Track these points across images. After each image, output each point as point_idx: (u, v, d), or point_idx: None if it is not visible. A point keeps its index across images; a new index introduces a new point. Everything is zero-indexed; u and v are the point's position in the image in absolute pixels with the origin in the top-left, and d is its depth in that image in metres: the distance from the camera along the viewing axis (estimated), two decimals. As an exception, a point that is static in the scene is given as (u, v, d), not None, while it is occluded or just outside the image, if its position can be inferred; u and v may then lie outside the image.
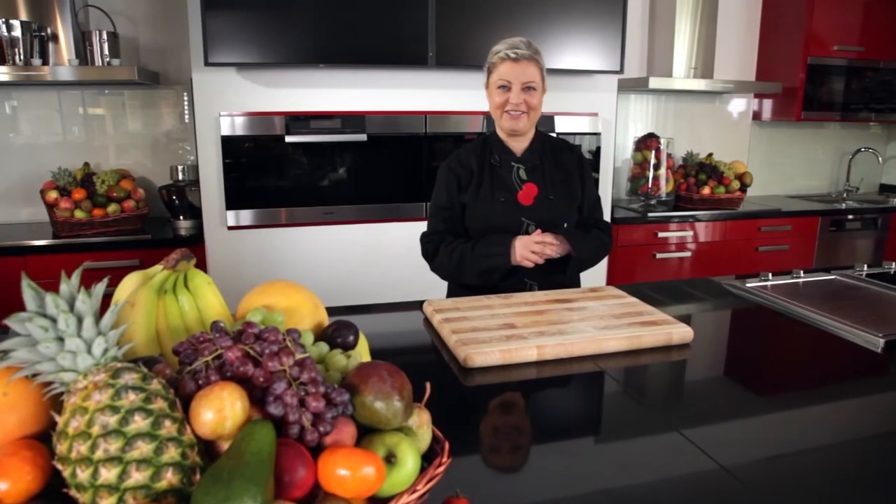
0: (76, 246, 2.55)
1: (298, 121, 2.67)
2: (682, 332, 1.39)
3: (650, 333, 1.36)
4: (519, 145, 1.79)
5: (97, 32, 2.64)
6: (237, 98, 2.62)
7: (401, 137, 2.80)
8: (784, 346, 1.50)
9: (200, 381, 0.66)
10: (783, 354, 1.45)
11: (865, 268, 1.99)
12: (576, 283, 1.93)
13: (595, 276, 3.18)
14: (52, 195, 2.63)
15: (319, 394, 0.67)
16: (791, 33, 3.48)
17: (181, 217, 2.83)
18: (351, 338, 0.83)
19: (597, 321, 1.42)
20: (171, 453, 0.57)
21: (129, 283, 0.81)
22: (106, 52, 2.67)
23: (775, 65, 3.60)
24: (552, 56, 2.80)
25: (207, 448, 0.63)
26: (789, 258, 3.37)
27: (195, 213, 2.78)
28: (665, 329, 1.39)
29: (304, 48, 2.52)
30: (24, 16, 2.58)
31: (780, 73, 3.54)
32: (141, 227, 2.76)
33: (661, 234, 3.21)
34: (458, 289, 1.89)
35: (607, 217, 3.14)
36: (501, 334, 1.33)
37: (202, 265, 2.70)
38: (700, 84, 3.28)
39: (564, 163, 1.83)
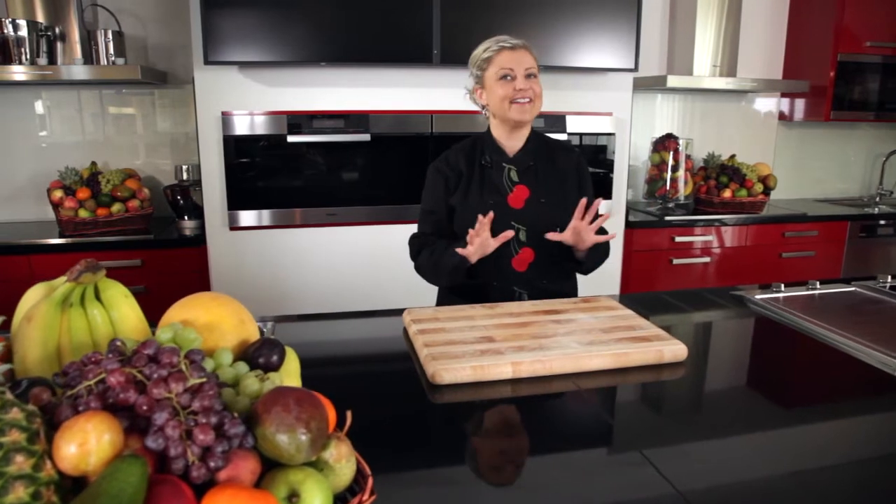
0: (79, 245, 2.54)
1: (301, 120, 2.62)
2: (674, 350, 1.29)
3: (638, 350, 1.26)
4: (513, 145, 1.70)
5: (102, 32, 2.64)
6: (239, 97, 2.58)
7: (406, 137, 2.73)
8: (788, 367, 1.38)
9: (80, 408, 0.60)
10: (785, 376, 1.33)
11: (889, 279, 1.85)
12: (573, 292, 1.84)
13: (609, 282, 3.07)
14: (58, 194, 2.64)
15: (209, 425, 0.60)
16: (820, 29, 3.29)
17: (185, 217, 2.81)
18: (274, 358, 0.77)
19: (583, 335, 1.33)
20: (19, 493, 0.51)
21: (33, 295, 0.75)
22: (111, 51, 2.67)
23: (803, 62, 3.42)
24: (563, 54, 2.70)
25: (78, 485, 0.57)
26: (815, 265, 3.19)
27: (200, 213, 2.76)
28: (655, 346, 1.28)
29: (306, 46, 2.47)
30: (40, 15, 2.60)
31: (808, 71, 3.36)
32: (145, 226, 2.75)
33: (678, 239, 3.07)
34: (447, 295, 1.82)
35: (621, 221, 3.03)
36: (476, 349, 1.25)
37: (204, 266, 2.67)
38: (721, 83, 3.13)
39: (561, 164, 1.74)
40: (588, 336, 1.32)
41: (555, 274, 1.75)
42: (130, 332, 0.77)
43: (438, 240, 1.71)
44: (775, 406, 1.15)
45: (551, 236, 1.58)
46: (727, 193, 3.20)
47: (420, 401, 1.15)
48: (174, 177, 2.89)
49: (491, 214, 1.52)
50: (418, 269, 1.75)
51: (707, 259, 3.12)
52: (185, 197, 2.80)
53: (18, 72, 2.46)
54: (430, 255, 1.67)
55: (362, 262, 2.80)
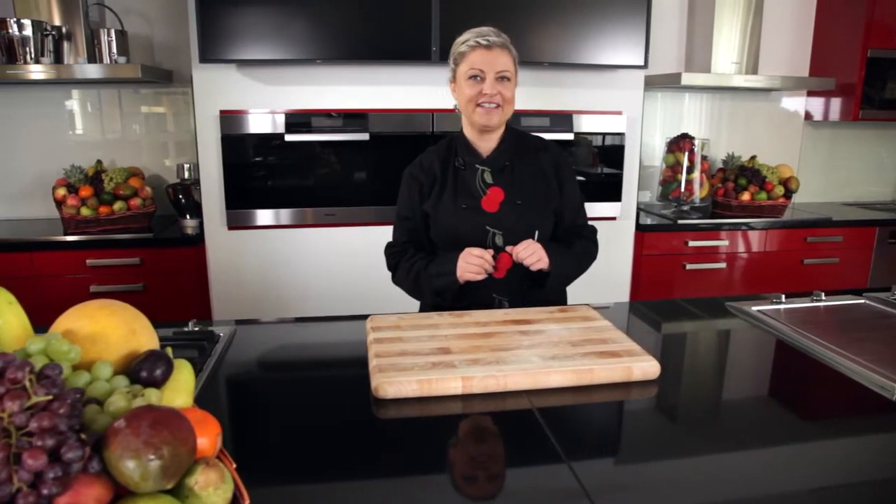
0: (80, 243, 2.56)
1: (299, 119, 2.59)
2: (644, 367, 1.19)
3: (604, 367, 1.18)
4: (486, 145, 1.62)
5: (105, 31, 2.65)
6: (238, 96, 2.56)
7: (406, 136, 2.67)
8: (772, 388, 1.27)
9: None
10: (767, 398, 1.22)
11: (904, 292, 1.71)
12: (561, 298, 1.75)
13: (619, 287, 2.96)
14: (61, 192, 2.66)
15: (43, 448, 0.55)
16: (849, 23, 3.11)
17: (187, 216, 2.81)
18: (158, 372, 0.71)
19: (547, 349, 1.25)
20: None
21: None
22: (114, 50, 2.68)
23: (831, 59, 3.24)
24: (569, 49, 2.60)
25: None
26: (840, 273, 3.02)
27: (201, 212, 2.75)
28: (625, 362, 1.19)
29: (304, 44, 2.44)
30: (56, 15, 2.63)
31: (836, 69, 3.18)
32: (147, 225, 2.76)
33: (692, 243, 2.94)
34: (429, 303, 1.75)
35: (631, 224, 2.91)
36: (428, 361, 1.18)
37: (203, 265, 2.67)
38: (741, 80, 2.98)
39: (540, 164, 1.65)
40: (553, 350, 1.24)
41: (525, 278, 1.66)
42: (12, 342, 0.72)
43: (416, 252, 1.65)
44: (743, 434, 1.05)
45: (510, 248, 1.54)
46: (745, 196, 3.05)
47: (362, 415, 1.08)
48: (176, 175, 2.89)
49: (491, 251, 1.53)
50: (397, 282, 1.70)
51: (723, 265, 2.98)
52: (186, 196, 2.80)
53: (21, 71, 2.49)
54: (408, 271, 1.62)
55: (361, 263, 2.76)
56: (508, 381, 1.13)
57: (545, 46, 2.60)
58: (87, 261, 2.56)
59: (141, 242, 2.61)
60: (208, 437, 0.68)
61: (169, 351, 0.79)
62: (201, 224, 2.70)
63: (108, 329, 0.73)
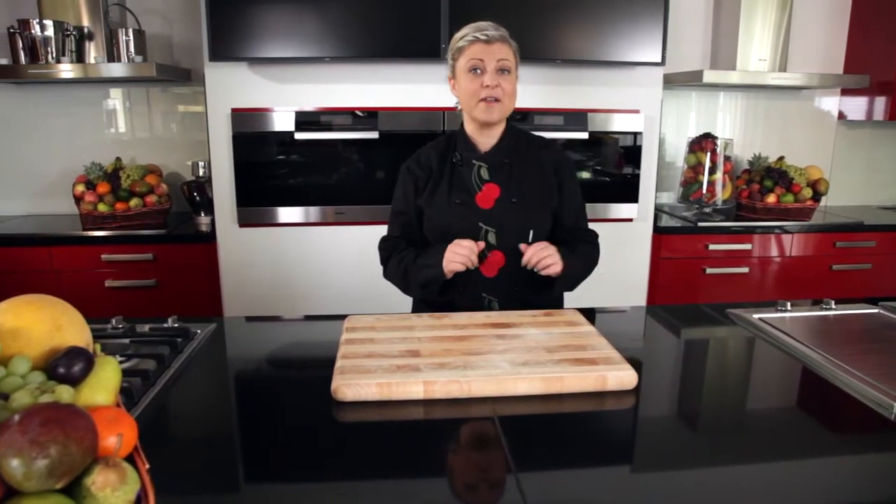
0: (95, 239, 2.62)
1: (309, 117, 2.59)
2: (620, 376, 1.14)
3: (576, 375, 1.12)
4: (486, 141, 1.59)
5: (122, 31, 2.71)
6: (249, 94, 2.58)
7: (416, 134, 2.65)
8: (760, 402, 1.19)
9: None
10: (752, 413, 1.14)
11: (923, 302, 1.60)
12: (556, 301, 1.70)
13: (635, 290, 2.87)
14: (80, 189, 2.74)
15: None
16: (886, 18, 2.94)
17: (201, 213, 2.86)
18: (75, 369, 0.70)
19: (520, 354, 1.20)
20: None
21: None
22: (131, 49, 2.74)
23: (867, 56, 3.07)
24: (583, 46, 2.53)
25: None
26: (872, 280, 2.86)
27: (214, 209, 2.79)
28: (599, 370, 1.14)
29: (314, 43, 2.44)
30: (84, 16, 2.71)
31: (872, 66, 3.01)
32: (162, 221, 2.81)
33: (712, 247, 2.83)
34: (419, 303, 1.73)
35: (648, 226, 2.82)
36: (393, 364, 1.15)
37: (214, 262, 2.70)
38: (766, 78, 2.85)
39: (540, 163, 1.61)
40: (526, 355, 1.20)
41: (531, 281, 1.62)
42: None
43: (407, 246, 1.63)
44: (715, 452, 0.98)
45: (524, 247, 1.49)
46: (771, 199, 2.92)
47: (320, 418, 1.06)
48: (191, 173, 2.93)
49: (482, 244, 1.49)
50: (388, 276, 1.68)
51: (745, 269, 2.86)
52: (200, 193, 2.84)
53: (41, 70, 2.56)
54: (398, 264, 1.61)
55: (370, 262, 2.72)
56: (472, 387, 1.09)
57: (558, 43, 2.54)
58: (102, 256, 2.62)
59: (154, 239, 2.65)
60: (117, 436, 0.67)
61: (97, 348, 0.79)
62: (214, 221, 2.74)
63: (32, 324, 0.73)
